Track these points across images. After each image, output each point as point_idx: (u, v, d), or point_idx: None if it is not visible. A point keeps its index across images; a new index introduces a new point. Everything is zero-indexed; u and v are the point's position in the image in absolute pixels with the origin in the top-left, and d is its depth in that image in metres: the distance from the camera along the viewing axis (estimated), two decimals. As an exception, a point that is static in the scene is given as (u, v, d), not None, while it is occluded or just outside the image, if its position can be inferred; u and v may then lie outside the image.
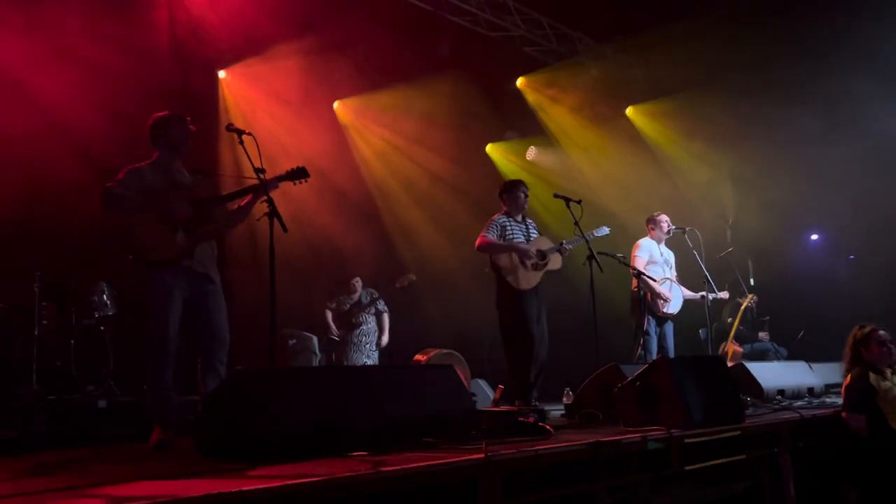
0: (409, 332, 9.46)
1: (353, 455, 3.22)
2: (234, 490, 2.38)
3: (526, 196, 6.64)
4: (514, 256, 6.36)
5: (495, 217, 6.55)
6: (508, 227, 6.49)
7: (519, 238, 6.48)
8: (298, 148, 9.36)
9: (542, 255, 6.47)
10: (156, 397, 4.32)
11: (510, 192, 6.63)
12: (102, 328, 6.89)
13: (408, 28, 9.49)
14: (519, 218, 6.63)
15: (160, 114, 4.67)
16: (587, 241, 6.33)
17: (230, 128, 4.45)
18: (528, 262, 6.37)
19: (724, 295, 7.90)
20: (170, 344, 4.30)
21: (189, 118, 4.68)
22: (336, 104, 10.71)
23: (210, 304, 4.48)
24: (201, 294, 4.45)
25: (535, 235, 6.61)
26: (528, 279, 6.37)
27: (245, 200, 4.60)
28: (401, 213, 10.99)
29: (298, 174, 4.67)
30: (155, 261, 4.31)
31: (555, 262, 6.53)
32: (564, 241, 6.60)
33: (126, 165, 4.52)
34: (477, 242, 6.40)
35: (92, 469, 3.48)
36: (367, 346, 8.49)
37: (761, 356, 8.97)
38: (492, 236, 6.39)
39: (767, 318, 9.50)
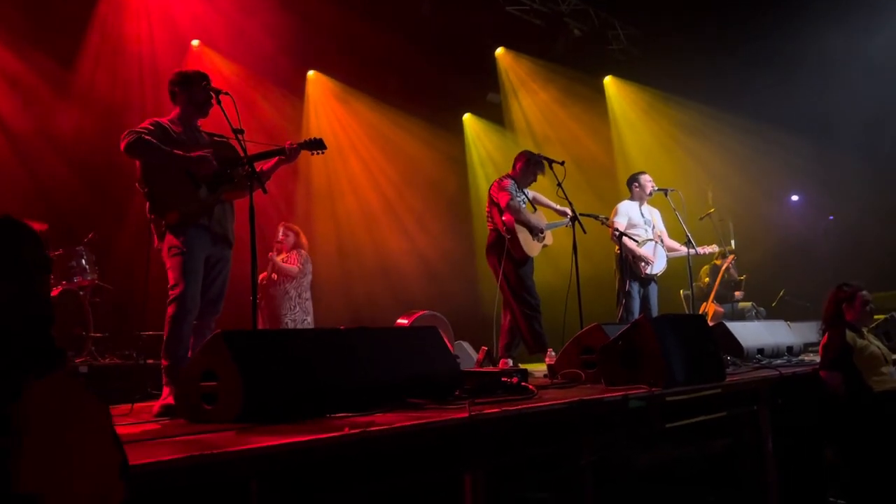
0: (391, 296, 9.51)
1: (338, 416, 3.22)
2: (215, 452, 2.37)
3: (535, 178, 6.77)
4: (530, 226, 6.59)
5: (507, 182, 6.62)
6: (518, 195, 6.63)
7: (523, 207, 6.67)
8: (271, 117, 9.29)
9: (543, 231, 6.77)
10: (173, 357, 4.18)
11: (529, 166, 6.72)
12: (81, 293, 6.83)
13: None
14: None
15: (183, 70, 4.54)
16: (570, 203, 6.44)
17: (208, 87, 4.35)
18: (539, 236, 6.67)
19: (713, 249, 7.89)
20: (192, 301, 4.21)
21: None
22: (310, 73, 10.58)
23: (218, 271, 4.42)
24: (215, 258, 4.40)
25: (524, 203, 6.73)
26: (534, 249, 6.64)
27: (268, 165, 4.48)
28: (370, 182, 11.00)
29: (316, 145, 4.62)
30: (176, 211, 4.20)
31: (548, 238, 6.84)
32: (552, 222, 6.81)
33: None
34: (505, 202, 6.47)
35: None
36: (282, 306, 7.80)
37: (741, 316, 9.07)
38: (515, 201, 6.52)
39: (744, 276, 9.59)
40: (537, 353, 6.39)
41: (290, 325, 7.74)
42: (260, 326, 7.77)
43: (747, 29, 9.91)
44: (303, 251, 7.95)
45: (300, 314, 7.84)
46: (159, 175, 4.22)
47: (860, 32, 9.32)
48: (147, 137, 4.18)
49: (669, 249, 7.51)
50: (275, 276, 7.77)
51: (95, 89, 8.35)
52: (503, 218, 6.49)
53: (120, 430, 3.29)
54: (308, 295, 7.97)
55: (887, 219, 9.66)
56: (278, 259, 7.79)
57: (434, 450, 3.00)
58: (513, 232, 6.45)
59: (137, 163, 4.27)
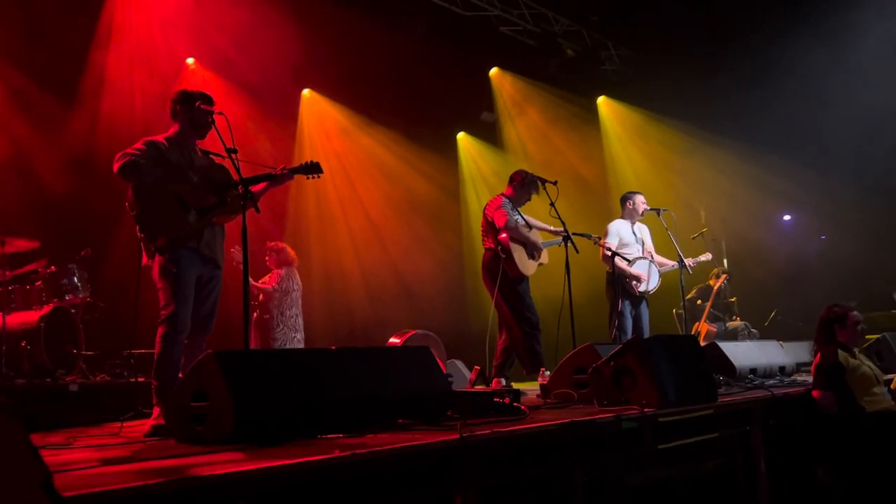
0: (383, 315, 9.50)
1: (329, 437, 3.20)
2: (205, 474, 2.35)
3: (530, 198, 6.77)
4: (528, 244, 6.57)
5: (502, 200, 6.61)
6: (514, 214, 6.63)
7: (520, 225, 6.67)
8: (265, 136, 9.30)
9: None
10: (163, 378, 4.18)
11: (525, 185, 6.72)
12: (73, 311, 6.80)
13: (381, 8, 9.40)
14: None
15: (185, 90, 4.54)
16: (563, 223, 6.46)
17: (201, 106, 4.36)
18: (535, 254, 6.65)
19: (707, 256, 7.88)
20: (183, 322, 4.21)
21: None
22: (305, 91, 10.61)
23: (209, 290, 4.43)
24: (206, 277, 4.40)
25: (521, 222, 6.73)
26: (530, 268, 6.62)
27: (258, 187, 4.48)
28: (361, 201, 11.00)
29: (312, 169, 4.60)
30: (164, 236, 4.21)
31: (544, 257, 6.81)
32: (544, 242, 6.79)
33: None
34: (501, 221, 6.43)
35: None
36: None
37: (734, 336, 9.08)
38: (512, 220, 6.50)
39: (734, 299, 9.61)
40: (534, 373, 6.37)
41: (275, 344, 7.75)
42: (253, 347, 7.86)
43: (736, 50, 10.01)
44: (283, 269, 7.94)
45: (286, 332, 7.83)
46: (149, 198, 4.22)
47: (842, 48, 9.40)
48: (140, 161, 4.18)
49: (660, 265, 7.53)
50: (261, 296, 7.85)
51: (90, 107, 8.37)
52: (499, 237, 6.48)
53: (109, 451, 3.28)
54: (293, 312, 7.94)
55: (879, 238, 9.70)
56: (258, 282, 7.85)
57: (425, 471, 2.99)
58: (508, 251, 6.43)
59: (129, 185, 4.27)
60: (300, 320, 8.00)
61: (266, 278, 7.96)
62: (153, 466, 2.75)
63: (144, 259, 4.33)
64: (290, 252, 8.06)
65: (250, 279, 7.57)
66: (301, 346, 7.89)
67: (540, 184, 6.56)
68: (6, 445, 1.68)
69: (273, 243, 8.08)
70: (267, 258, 7.97)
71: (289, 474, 2.52)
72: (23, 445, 1.71)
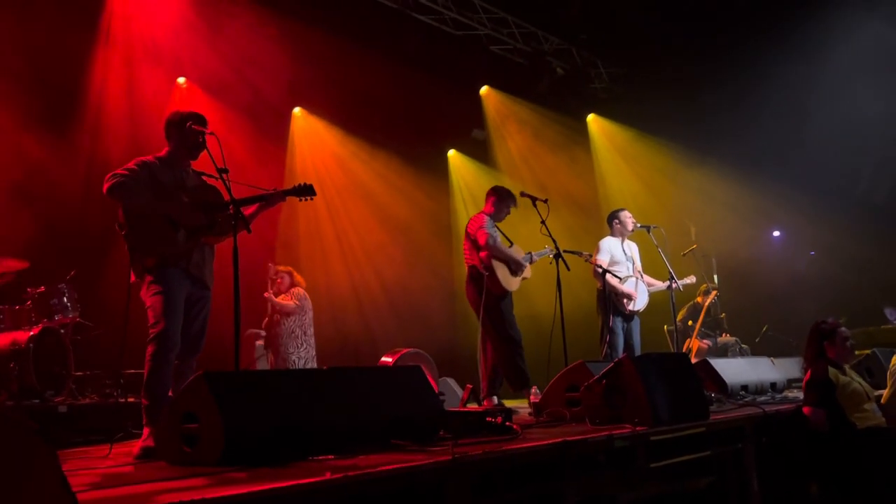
0: (374, 334, 9.47)
1: (320, 458, 3.19)
2: (196, 498, 2.34)
3: (509, 212, 6.80)
4: (511, 261, 6.60)
5: (484, 220, 6.63)
6: (494, 231, 6.64)
7: (499, 242, 6.67)
8: (256, 154, 9.32)
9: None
10: (153, 397, 4.14)
11: (502, 201, 6.77)
12: (62, 331, 6.75)
13: (372, 26, 9.46)
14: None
15: (179, 110, 4.56)
16: (554, 241, 6.47)
17: (192, 126, 4.37)
18: (518, 271, 6.67)
19: (691, 279, 7.91)
20: (172, 339, 4.19)
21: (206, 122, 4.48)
22: (296, 110, 10.64)
23: (198, 310, 4.41)
24: (194, 298, 4.39)
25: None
26: (513, 283, 6.65)
27: (250, 210, 4.48)
28: (352, 220, 10.99)
29: (305, 191, 4.59)
30: (154, 256, 4.20)
31: (527, 271, 6.83)
32: (534, 253, 6.81)
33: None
34: (483, 240, 6.47)
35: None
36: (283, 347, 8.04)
37: (724, 352, 9.10)
38: (493, 239, 6.51)
39: (723, 315, 9.64)
40: (520, 390, 6.37)
41: (299, 362, 7.91)
42: (270, 366, 7.95)
43: (724, 68, 10.08)
44: (299, 289, 8.18)
45: (309, 350, 8.07)
46: (139, 218, 4.23)
47: (827, 62, 9.49)
48: (130, 182, 4.18)
49: (649, 285, 7.56)
50: (277, 317, 8.00)
51: (84, 127, 8.37)
52: (480, 255, 6.50)
53: (96, 473, 3.25)
54: (312, 331, 8.21)
55: (869, 252, 9.74)
56: (277, 299, 8.01)
57: (417, 492, 2.98)
58: (491, 268, 6.47)
59: (119, 205, 4.27)
60: (314, 339, 8.27)
61: (284, 296, 8.14)
62: (143, 490, 2.72)
63: (133, 278, 4.32)
64: (298, 276, 8.34)
65: (272, 297, 7.93)
66: (315, 362, 8.18)
67: (531, 202, 6.57)
68: (39, 473, 1.68)
69: (283, 266, 8.38)
70: (279, 280, 8.20)
71: (280, 497, 2.50)
72: (55, 474, 1.71)
